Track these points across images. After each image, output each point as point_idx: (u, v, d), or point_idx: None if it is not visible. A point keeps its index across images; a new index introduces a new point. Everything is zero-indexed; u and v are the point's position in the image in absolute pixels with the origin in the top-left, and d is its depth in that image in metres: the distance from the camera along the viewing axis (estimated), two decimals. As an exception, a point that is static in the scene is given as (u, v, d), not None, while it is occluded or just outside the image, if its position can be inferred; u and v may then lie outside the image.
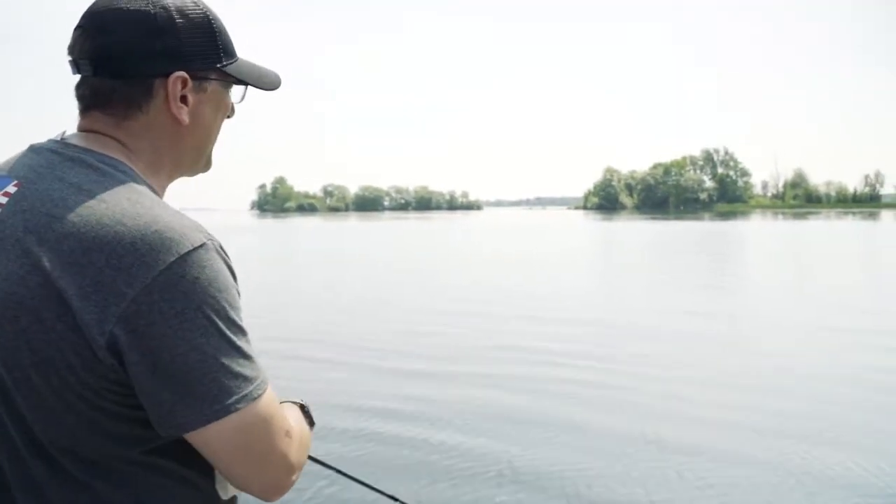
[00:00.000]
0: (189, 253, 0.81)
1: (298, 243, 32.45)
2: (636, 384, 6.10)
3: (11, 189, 0.87)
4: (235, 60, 1.00)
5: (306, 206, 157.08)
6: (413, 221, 71.74)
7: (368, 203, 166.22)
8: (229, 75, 0.99)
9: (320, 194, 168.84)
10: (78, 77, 0.94)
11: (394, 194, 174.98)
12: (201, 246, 0.83)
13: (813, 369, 6.63)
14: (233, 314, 0.83)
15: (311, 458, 1.08)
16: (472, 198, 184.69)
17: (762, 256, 22.68)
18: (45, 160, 0.89)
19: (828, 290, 12.63)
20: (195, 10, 0.94)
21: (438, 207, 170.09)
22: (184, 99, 0.94)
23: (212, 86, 0.97)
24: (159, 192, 0.96)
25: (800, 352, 7.55)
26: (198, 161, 1.02)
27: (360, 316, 10.03)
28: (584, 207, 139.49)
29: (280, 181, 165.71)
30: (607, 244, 31.25)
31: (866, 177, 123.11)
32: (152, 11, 0.91)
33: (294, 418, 0.96)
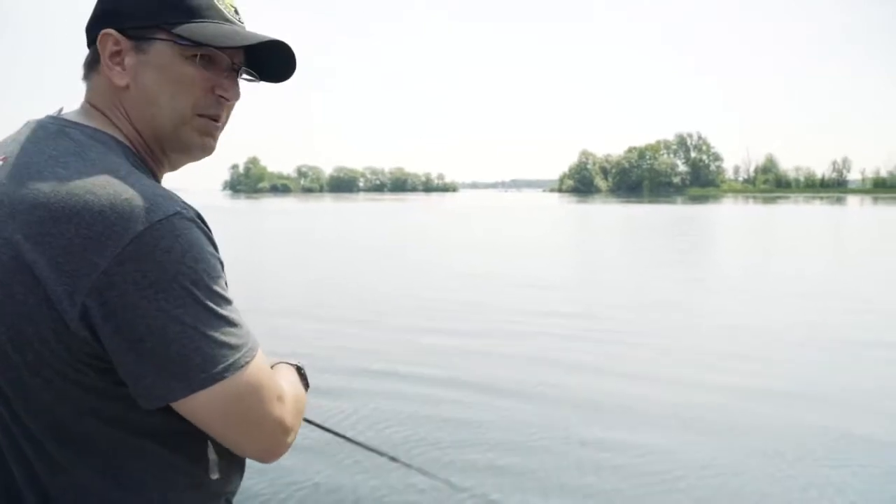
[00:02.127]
0: (161, 221, 0.78)
1: (272, 224, 32.02)
2: (614, 352, 6.22)
3: None
4: (193, 21, 0.91)
5: (280, 187, 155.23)
6: (389, 203, 71.34)
7: (343, 184, 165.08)
8: (179, 36, 0.90)
9: (294, 175, 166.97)
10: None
11: (369, 175, 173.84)
12: (174, 214, 0.79)
13: (782, 338, 6.76)
14: (212, 283, 0.81)
15: (308, 420, 1.06)
16: (447, 180, 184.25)
17: (738, 238, 23.02)
18: (33, 135, 0.88)
19: (796, 269, 12.88)
20: None
21: (414, 189, 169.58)
22: (117, 60, 0.90)
23: (155, 46, 0.90)
24: (157, 171, 0.95)
25: (768, 324, 7.68)
26: (168, 136, 0.94)
27: (337, 294, 9.93)
28: (560, 190, 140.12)
29: (253, 161, 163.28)
30: (586, 226, 31.42)
31: (833, 163, 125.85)
32: None
33: (288, 381, 0.94)
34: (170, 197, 0.82)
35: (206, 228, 0.84)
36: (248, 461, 0.94)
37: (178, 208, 0.81)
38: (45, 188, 0.80)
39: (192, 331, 0.78)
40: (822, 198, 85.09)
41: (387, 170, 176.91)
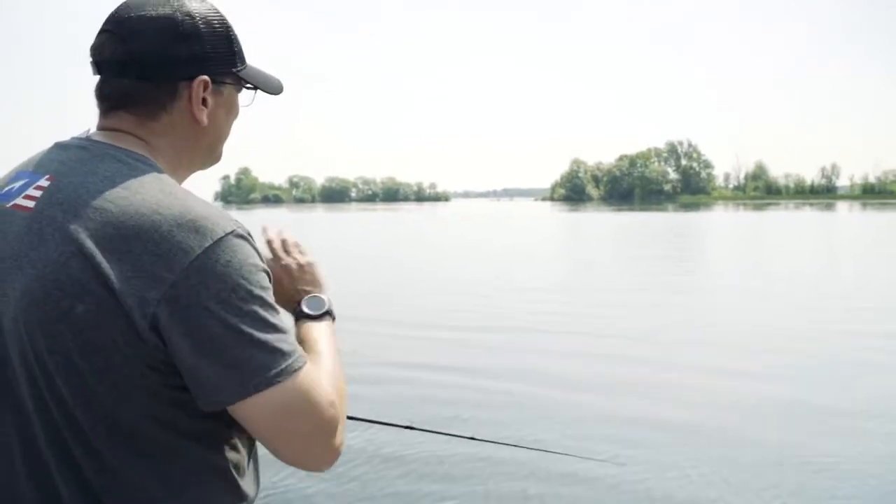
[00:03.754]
0: (221, 239, 0.85)
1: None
2: (609, 352, 6.24)
3: (45, 183, 0.91)
4: (246, 66, 1.05)
5: (271, 198, 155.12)
6: (382, 213, 71.29)
7: (335, 194, 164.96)
8: (242, 79, 1.05)
9: (286, 185, 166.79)
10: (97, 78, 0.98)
11: (361, 185, 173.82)
12: (231, 232, 0.87)
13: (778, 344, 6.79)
14: (264, 294, 0.87)
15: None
16: (439, 189, 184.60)
17: (731, 245, 23.10)
18: (75, 156, 0.93)
19: (790, 274, 12.94)
20: (216, 17, 1.00)
21: (406, 199, 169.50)
22: (203, 101, 0.99)
23: (227, 89, 1.03)
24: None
25: (763, 329, 7.70)
26: (209, 159, 1.07)
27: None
28: (552, 199, 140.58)
29: (244, 172, 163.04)
30: (578, 234, 31.48)
31: (823, 169, 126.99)
32: (179, 18, 0.96)
33: (334, 387, 0.94)
34: (225, 216, 0.89)
35: (254, 243, 0.91)
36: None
37: (234, 226, 0.88)
38: (111, 207, 0.85)
39: (248, 337, 0.84)
40: (811, 204, 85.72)
41: (378, 179, 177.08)
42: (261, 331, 0.85)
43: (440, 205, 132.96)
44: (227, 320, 0.83)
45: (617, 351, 6.90)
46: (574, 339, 7.49)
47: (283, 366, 0.85)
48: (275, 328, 0.86)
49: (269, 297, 0.88)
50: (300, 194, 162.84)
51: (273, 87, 1.10)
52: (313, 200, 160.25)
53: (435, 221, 47.01)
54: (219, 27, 1.00)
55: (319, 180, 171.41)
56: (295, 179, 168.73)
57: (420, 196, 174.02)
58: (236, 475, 0.94)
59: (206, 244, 0.84)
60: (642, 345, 7.20)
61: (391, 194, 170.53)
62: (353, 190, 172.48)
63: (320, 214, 67.75)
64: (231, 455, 0.93)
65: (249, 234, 0.90)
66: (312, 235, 30.02)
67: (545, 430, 4.56)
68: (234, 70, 1.02)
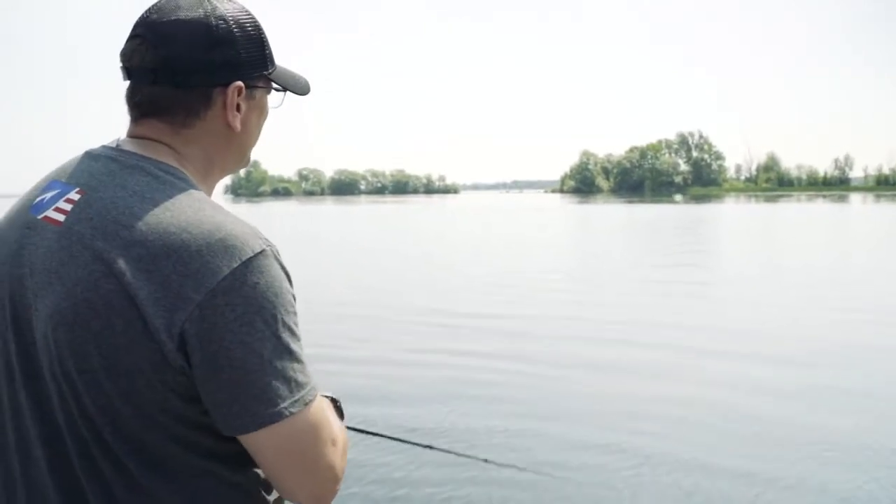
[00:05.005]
0: (251, 259, 0.84)
1: (277, 230, 31.98)
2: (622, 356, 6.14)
3: (74, 196, 0.89)
4: (276, 68, 1.02)
5: (281, 191, 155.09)
6: (391, 205, 71.25)
7: (345, 187, 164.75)
8: (273, 82, 1.03)
9: (295, 178, 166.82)
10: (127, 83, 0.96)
11: (370, 178, 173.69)
12: (261, 252, 0.85)
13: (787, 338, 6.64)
14: (288, 319, 0.86)
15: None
16: (448, 181, 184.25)
17: (746, 238, 22.89)
18: (105, 167, 0.91)
19: (804, 268, 12.76)
20: (249, 20, 0.97)
21: (415, 191, 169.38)
22: (237, 107, 0.97)
23: (259, 93, 1.01)
24: (209, 194, 0.99)
25: (777, 324, 7.57)
26: (239, 163, 1.05)
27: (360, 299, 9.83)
28: (561, 191, 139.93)
29: (254, 165, 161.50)
30: (592, 226, 31.29)
31: (836, 160, 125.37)
32: (212, 23, 0.93)
33: (337, 425, 0.95)
34: (256, 234, 0.88)
35: (283, 263, 0.89)
36: None
37: (264, 246, 0.87)
38: (142, 226, 0.84)
39: (267, 364, 0.83)
40: (824, 196, 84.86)
41: (388, 172, 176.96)
42: (280, 358, 0.84)
43: (449, 197, 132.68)
44: (250, 345, 0.82)
45: (642, 372, 6.16)
46: (595, 345, 7.02)
47: (297, 397, 0.85)
48: (294, 356, 0.86)
49: (293, 321, 0.87)
50: (310, 187, 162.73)
51: (301, 88, 1.08)
52: (322, 193, 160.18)
53: (445, 213, 46.91)
54: (252, 30, 0.97)
55: (329, 173, 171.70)
56: (304, 172, 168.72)
57: (429, 188, 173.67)
58: (265, 494, 0.93)
59: (235, 265, 0.83)
60: (671, 371, 6.37)
61: (400, 187, 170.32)
62: (363, 183, 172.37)
63: (329, 207, 67.81)
64: (258, 475, 0.92)
65: (278, 253, 0.89)
66: (322, 229, 29.97)
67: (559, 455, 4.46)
68: (265, 73, 1.00)
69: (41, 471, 0.88)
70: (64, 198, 0.89)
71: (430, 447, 1.65)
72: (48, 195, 0.91)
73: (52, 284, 0.85)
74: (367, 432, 1.48)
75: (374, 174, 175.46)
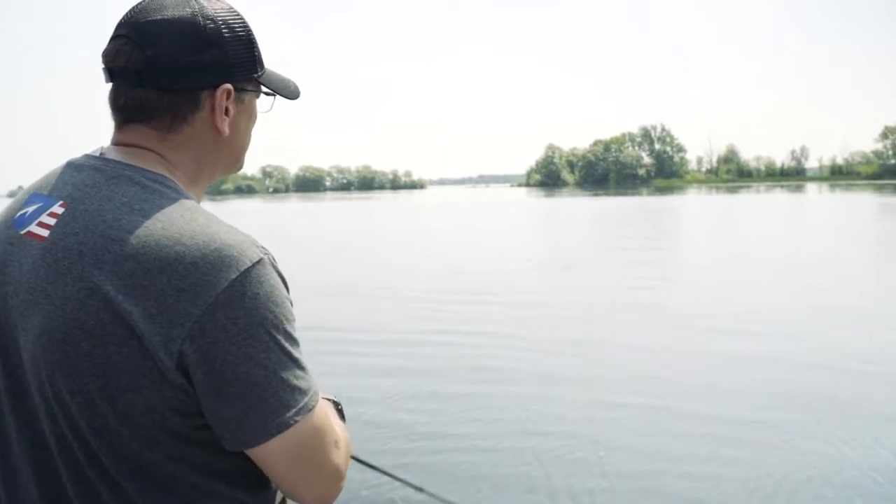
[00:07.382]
0: (248, 269, 0.82)
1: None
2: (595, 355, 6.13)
3: (58, 209, 0.85)
4: (266, 70, 0.99)
5: (244, 189, 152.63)
6: (356, 202, 70.80)
7: (310, 184, 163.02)
8: (262, 85, 1.00)
9: (259, 175, 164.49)
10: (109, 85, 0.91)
11: (335, 174, 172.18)
12: (259, 262, 0.83)
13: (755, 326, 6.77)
14: (288, 327, 0.85)
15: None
16: (415, 177, 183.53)
17: (710, 228, 23.30)
18: (90, 178, 0.87)
19: (762, 255, 13.04)
20: (237, 20, 0.94)
21: (381, 187, 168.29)
22: (226, 110, 0.94)
23: (248, 96, 0.98)
24: (198, 200, 0.96)
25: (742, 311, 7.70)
26: (232, 167, 1.02)
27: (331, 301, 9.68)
28: (527, 185, 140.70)
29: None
30: (561, 218, 31.51)
31: (792, 151, 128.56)
32: (200, 23, 0.90)
33: (339, 426, 0.95)
34: (252, 242, 0.85)
35: (280, 271, 0.87)
36: None
37: (261, 254, 0.84)
38: (132, 240, 0.80)
39: (272, 375, 0.81)
40: (782, 186, 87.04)
41: (353, 168, 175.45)
42: (284, 368, 0.83)
43: (416, 193, 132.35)
44: (255, 357, 0.80)
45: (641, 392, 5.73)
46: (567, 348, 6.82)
47: (301, 404, 0.84)
48: (297, 364, 0.85)
49: (293, 328, 0.86)
50: (274, 184, 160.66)
51: (291, 92, 1.05)
52: (287, 190, 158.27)
53: (412, 209, 46.73)
54: (240, 31, 0.94)
55: (293, 170, 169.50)
56: (268, 170, 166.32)
57: (395, 184, 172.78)
58: (260, 500, 0.92)
59: (233, 276, 0.80)
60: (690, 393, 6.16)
61: (366, 183, 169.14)
62: (328, 179, 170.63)
63: (294, 205, 67.04)
64: (261, 493, 0.91)
65: (275, 260, 0.87)
66: (288, 226, 29.61)
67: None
68: (255, 76, 0.97)
69: (31, 496, 0.86)
70: (47, 212, 0.85)
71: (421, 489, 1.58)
72: (30, 209, 0.87)
73: (39, 303, 0.81)
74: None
75: (340, 170, 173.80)
